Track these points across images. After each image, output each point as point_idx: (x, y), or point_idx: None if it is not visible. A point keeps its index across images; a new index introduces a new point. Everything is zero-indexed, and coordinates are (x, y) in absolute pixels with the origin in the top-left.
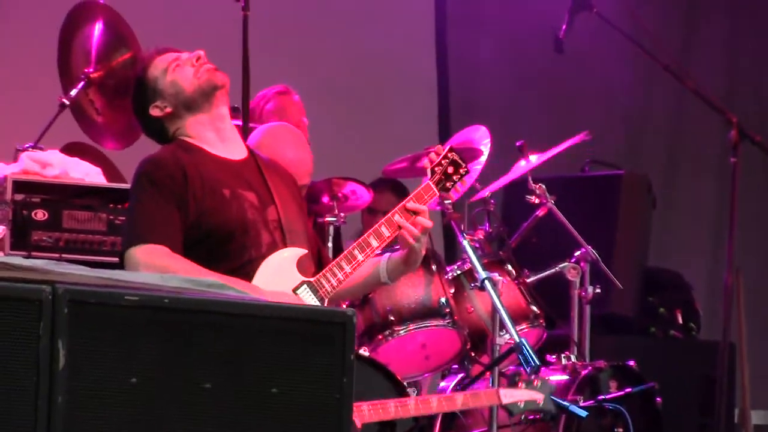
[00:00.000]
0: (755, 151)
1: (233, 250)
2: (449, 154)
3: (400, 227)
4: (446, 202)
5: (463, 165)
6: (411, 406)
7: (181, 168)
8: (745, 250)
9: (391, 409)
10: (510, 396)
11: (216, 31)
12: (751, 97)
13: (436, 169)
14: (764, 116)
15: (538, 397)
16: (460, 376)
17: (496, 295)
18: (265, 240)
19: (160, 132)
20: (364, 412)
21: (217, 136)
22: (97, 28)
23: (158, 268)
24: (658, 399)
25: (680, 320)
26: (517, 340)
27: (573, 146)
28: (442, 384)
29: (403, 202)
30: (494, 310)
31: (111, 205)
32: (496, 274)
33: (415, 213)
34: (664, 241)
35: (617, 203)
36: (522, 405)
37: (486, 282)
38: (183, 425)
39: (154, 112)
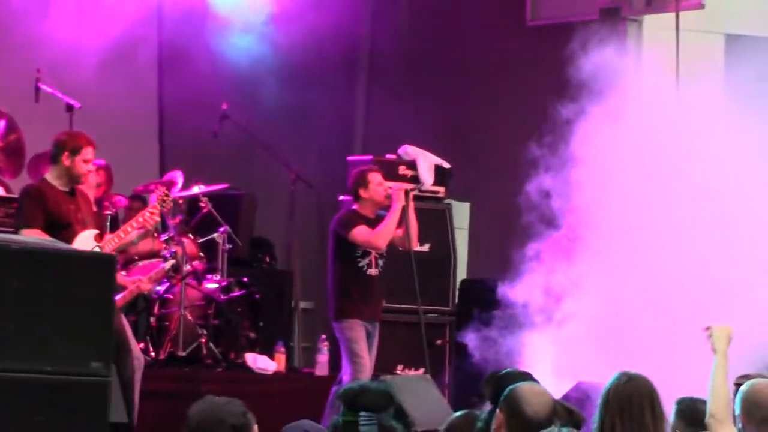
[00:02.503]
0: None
1: (64, 233)
2: (165, 192)
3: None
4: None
5: (170, 198)
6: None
7: (42, 191)
8: (304, 229)
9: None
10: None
11: None
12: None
13: (159, 198)
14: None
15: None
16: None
17: (183, 248)
18: (77, 229)
19: (54, 161)
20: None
21: (62, 184)
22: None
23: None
24: (257, 296)
25: (268, 259)
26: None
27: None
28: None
29: (146, 210)
30: (184, 255)
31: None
32: (184, 239)
33: (152, 214)
34: (260, 225)
35: (239, 210)
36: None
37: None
38: (18, 299)
39: (63, 157)
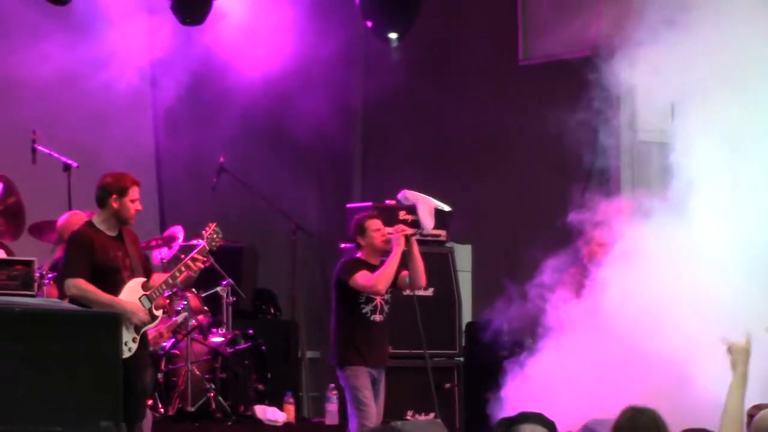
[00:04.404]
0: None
1: (111, 280)
2: (214, 229)
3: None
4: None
5: (219, 234)
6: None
7: (90, 239)
8: (307, 278)
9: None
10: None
11: None
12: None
13: (209, 237)
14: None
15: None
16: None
17: (188, 302)
18: (125, 276)
19: (102, 205)
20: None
21: (110, 228)
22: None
23: (79, 289)
24: (263, 347)
25: (272, 310)
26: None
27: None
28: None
29: (192, 254)
30: (189, 308)
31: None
32: (188, 294)
33: (198, 260)
34: (263, 277)
35: (241, 263)
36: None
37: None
38: (24, 362)
39: (111, 200)
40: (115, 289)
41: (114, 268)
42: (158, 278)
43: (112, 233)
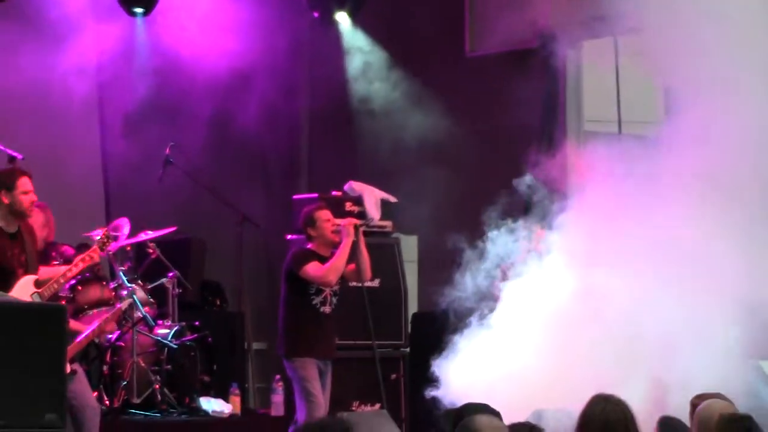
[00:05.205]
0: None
1: (6, 279)
2: (106, 233)
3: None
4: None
5: (110, 241)
6: None
7: None
8: (253, 270)
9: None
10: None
11: None
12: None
13: (100, 241)
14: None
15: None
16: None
17: (134, 293)
18: (20, 273)
19: None
20: None
21: (8, 224)
22: None
23: None
24: (209, 339)
25: (218, 302)
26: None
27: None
28: None
29: (89, 252)
30: (134, 298)
31: None
32: (134, 285)
33: (93, 251)
34: (209, 268)
35: (188, 255)
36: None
37: (133, 289)
38: None
39: (1, 197)
40: (7, 289)
41: (9, 268)
42: (45, 273)
43: (11, 230)
